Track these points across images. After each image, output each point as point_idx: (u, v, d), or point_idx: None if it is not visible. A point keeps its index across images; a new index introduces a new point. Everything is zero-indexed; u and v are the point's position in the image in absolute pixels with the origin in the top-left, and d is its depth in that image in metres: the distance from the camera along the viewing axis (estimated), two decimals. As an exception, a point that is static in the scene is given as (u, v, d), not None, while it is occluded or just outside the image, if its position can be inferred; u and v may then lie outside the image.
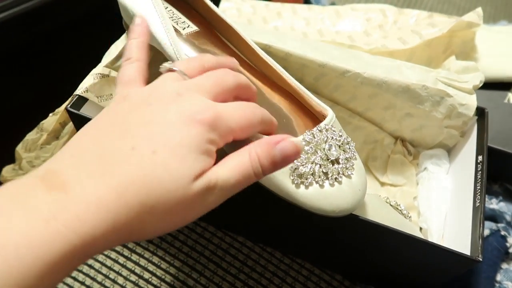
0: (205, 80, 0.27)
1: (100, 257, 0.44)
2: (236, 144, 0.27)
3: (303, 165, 0.31)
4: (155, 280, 0.43)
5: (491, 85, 0.55)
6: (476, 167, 0.42)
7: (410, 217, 0.44)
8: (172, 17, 0.41)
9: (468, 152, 0.45)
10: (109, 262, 0.44)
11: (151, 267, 0.44)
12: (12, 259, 0.18)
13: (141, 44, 0.31)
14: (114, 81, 0.42)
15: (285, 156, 0.25)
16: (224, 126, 0.25)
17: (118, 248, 0.44)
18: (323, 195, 0.31)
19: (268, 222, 0.42)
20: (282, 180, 0.31)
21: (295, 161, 0.31)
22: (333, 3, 0.74)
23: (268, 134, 0.29)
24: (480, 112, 0.47)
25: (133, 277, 0.43)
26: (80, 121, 0.39)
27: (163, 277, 0.43)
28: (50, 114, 0.42)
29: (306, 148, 0.32)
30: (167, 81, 0.26)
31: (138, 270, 0.43)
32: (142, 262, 0.44)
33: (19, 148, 0.45)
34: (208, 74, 0.28)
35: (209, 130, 0.24)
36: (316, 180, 0.31)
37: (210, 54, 0.31)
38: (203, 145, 0.23)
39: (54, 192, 0.20)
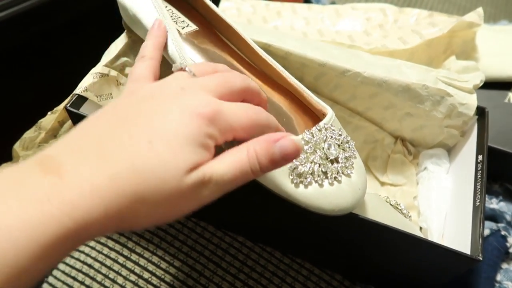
0: (212, 79, 0.27)
1: (100, 257, 0.44)
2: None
3: (302, 164, 0.31)
4: (154, 280, 0.43)
5: (492, 85, 0.55)
6: (476, 167, 0.42)
7: (410, 216, 0.44)
8: (171, 16, 0.41)
9: (468, 152, 0.45)
10: (108, 262, 0.43)
11: (151, 267, 0.44)
12: (5, 241, 0.18)
13: (156, 45, 0.31)
14: (114, 81, 0.42)
15: (285, 155, 0.25)
16: (224, 123, 0.24)
17: (118, 248, 0.44)
18: (322, 194, 0.31)
19: (267, 222, 0.42)
20: (281, 179, 0.31)
21: (294, 160, 0.31)
22: (333, 2, 0.74)
23: None
24: (480, 112, 0.46)
25: (133, 277, 0.43)
26: (79, 120, 0.39)
27: (162, 276, 0.43)
28: (49, 113, 0.42)
29: (305, 147, 0.32)
30: (174, 79, 0.27)
31: (137, 269, 0.43)
32: (142, 261, 0.44)
33: (17, 146, 0.45)
34: (216, 74, 0.28)
35: (208, 124, 0.24)
36: (316, 179, 0.31)
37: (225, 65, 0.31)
38: (200, 138, 0.23)
39: (49, 176, 0.21)
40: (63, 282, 0.42)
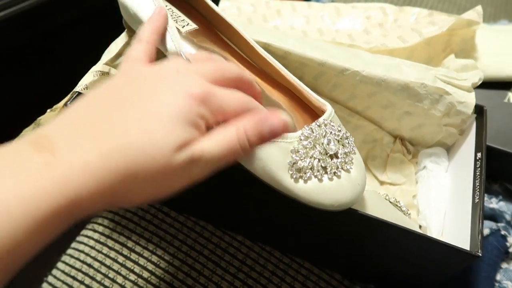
0: (206, 64, 0.28)
1: (100, 256, 0.44)
2: None
3: (301, 159, 0.31)
4: (154, 279, 0.43)
5: (491, 85, 0.56)
6: (475, 164, 0.42)
7: (409, 214, 0.44)
8: (171, 15, 0.41)
9: (467, 150, 0.45)
10: (108, 261, 0.43)
11: (150, 266, 0.43)
12: (3, 213, 0.19)
13: (155, 29, 0.32)
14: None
15: (273, 132, 0.26)
16: (215, 104, 0.25)
17: (118, 247, 0.44)
18: (321, 189, 0.31)
19: (267, 219, 0.42)
20: (281, 174, 0.31)
21: (294, 156, 0.31)
22: (333, 0, 0.74)
23: None
24: (479, 110, 0.46)
25: (133, 276, 0.43)
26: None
27: (162, 276, 0.43)
28: (48, 110, 0.42)
29: (305, 142, 0.32)
30: (170, 62, 0.27)
31: (137, 269, 0.43)
32: (141, 261, 0.44)
33: (14, 143, 0.45)
34: (211, 62, 0.29)
35: (199, 104, 0.24)
36: (315, 174, 0.31)
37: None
38: (191, 117, 0.24)
39: (43, 154, 0.21)
40: (63, 282, 0.42)
